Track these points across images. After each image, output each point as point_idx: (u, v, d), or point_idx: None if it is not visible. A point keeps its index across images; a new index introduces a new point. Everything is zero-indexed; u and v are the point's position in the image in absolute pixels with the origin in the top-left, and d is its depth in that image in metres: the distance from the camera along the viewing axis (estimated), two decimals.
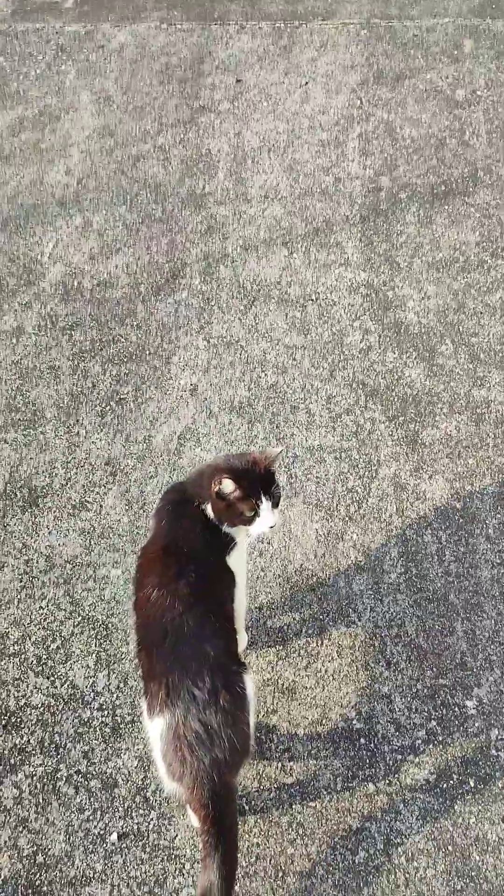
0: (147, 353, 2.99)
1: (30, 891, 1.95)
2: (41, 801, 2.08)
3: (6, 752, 2.15)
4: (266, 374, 2.91)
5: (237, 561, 1.98)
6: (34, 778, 2.11)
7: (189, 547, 1.88)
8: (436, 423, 2.77)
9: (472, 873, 1.95)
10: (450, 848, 1.98)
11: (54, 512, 2.61)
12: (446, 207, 3.40)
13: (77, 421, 2.82)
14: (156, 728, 1.72)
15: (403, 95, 3.85)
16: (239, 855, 1.96)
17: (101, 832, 2.03)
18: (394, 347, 2.97)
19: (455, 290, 3.13)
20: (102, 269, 3.25)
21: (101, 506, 2.61)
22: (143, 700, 1.79)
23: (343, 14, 4.27)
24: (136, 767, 2.11)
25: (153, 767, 2.09)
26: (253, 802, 2.05)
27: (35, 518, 2.60)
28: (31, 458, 2.73)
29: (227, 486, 1.83)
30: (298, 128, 3.75)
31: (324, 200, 3.45)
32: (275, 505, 1.88)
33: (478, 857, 1.96)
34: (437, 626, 2.34)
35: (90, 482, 2.67)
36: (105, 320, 3.09)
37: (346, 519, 2.56)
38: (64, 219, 3.44)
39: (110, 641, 2.33)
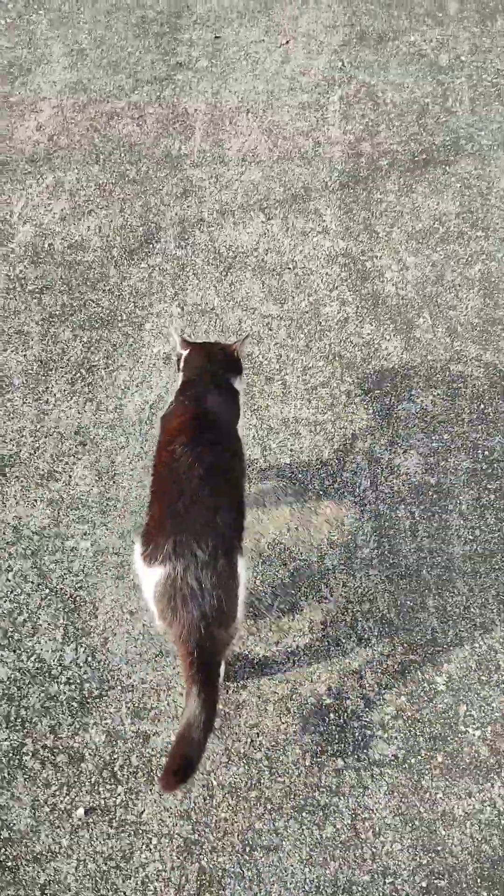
0: (119, 319, 2.91)
1: None
2: (6, 775, 2.05)
3: None
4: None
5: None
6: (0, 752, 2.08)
7: (215, 421, 2.10)
8: (412, 397, 2.74)
9: (438, 848, 1.96)
10: (416, 823, 2.00)
11: (22, 482, 2.54)
12: (427, 176, 3.34)
13: (46, 388, 2.74)
14: (153, 576, 1.86)
15: (386, 58, 3.76)
16: (207, 830, 1.96)
17: (68, 807, 2.01)
18: (371, 319, 2.92)
19: (434, 262, 3.08)
20: (74, 231, 3.15)
21: (70, 476, 2.56)
22: (139, 546, 1.92)
23: None
24: (103, 742, 2.09)
25: (120, 742, 2.07)
26: (221, 778, 2.04)
27: (2, 488, 2.53)
28: None
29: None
30: (278, 89, 3.64)
31: (303, 165, 3.37)
32: None
33: (444, 832, 1.98)
34: (408, 602, 2.33)
35: (59, 451, 2.61)
36: (76, 284, 3.00)
37: (320, 493, 2.53)
38: (34, 177, 3.32)
39: (78, 615, 2.30)
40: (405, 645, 2.26)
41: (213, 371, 2.23)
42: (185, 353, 2.29)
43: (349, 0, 4.00)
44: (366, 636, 2.27)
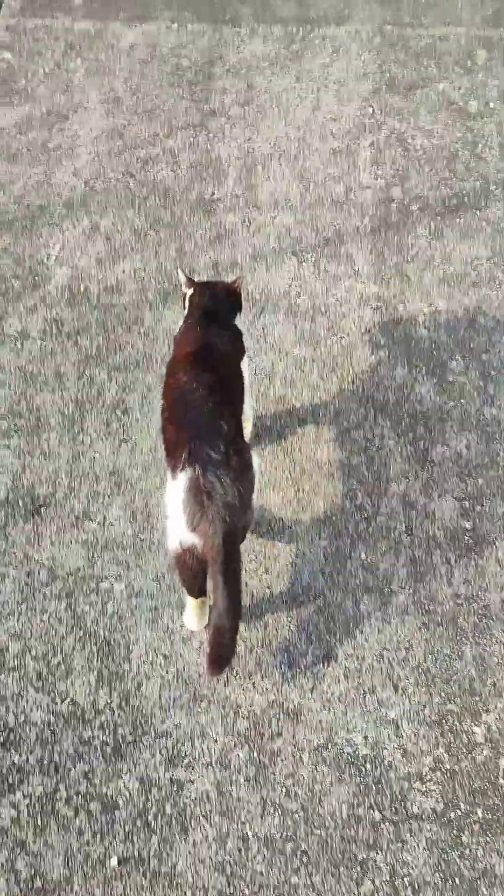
0: (154, 361, 2.94)
1: None
2: (40, 822, 2.03)
3: (4, 770, 2.10)
4: (274, 387, 2.87)
5: (245, 367, 2.46)
6: (33, 798, 2.07)
7: (217, 350, 2.30)
8: (446, 440, 2.74)
9: None
10: (457, 880, 1.95)
11: (57, 522, 2.56)
12: (458, 221, 3.37)
13: (82, 429, 2.77)
14: (179, 483, 2.03)
15: (416, 105, 3.81)
16: (242, 883, 1.93)
17: (101, 856, 1.98)
18: (404, 363, 2.93)
19: (466, 306, 3.09)
20: (110, 274, 3.20)
21: (104, 517, 2.57)
22: (167, 473, 2.12)
23: (356, 20, 4.22)
24: (137, 790, 2.07)
25: (154, 789, 2.05)
26: (256, 829, 2.01)
27: (37, 528, 2.54)
28: (34, 466, 2.68)
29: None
30: (309, 135, 3.70)
31: (334, 210, 3.41)
32: None
33: (485, 891, 1.93)
34: (445, 650, 2.31)
35: (94, 492, 2.62)
36: (112, 326, 3.04)
37: (355, 537, 2.52)
38: (71, 221, 3.38)
39: (112, 658, 2.29)
40: (442, 694, 2.23)
41: (214, 307, 2.42)
42: (189, 291, 2.47)
43: (378, 49, 4.07)
44: (402, 685, 2.24)
